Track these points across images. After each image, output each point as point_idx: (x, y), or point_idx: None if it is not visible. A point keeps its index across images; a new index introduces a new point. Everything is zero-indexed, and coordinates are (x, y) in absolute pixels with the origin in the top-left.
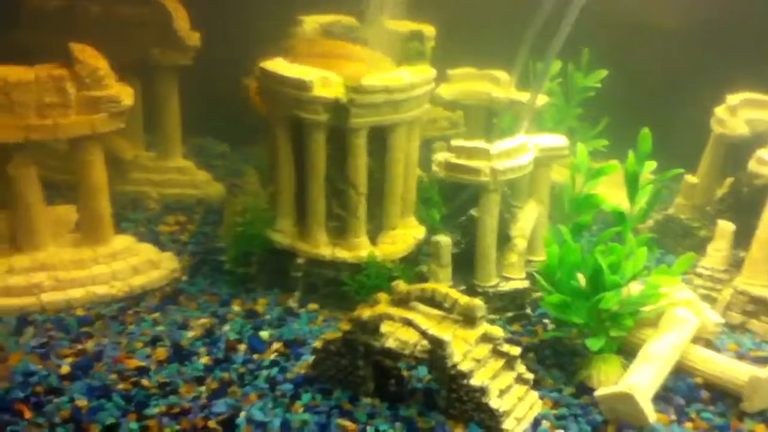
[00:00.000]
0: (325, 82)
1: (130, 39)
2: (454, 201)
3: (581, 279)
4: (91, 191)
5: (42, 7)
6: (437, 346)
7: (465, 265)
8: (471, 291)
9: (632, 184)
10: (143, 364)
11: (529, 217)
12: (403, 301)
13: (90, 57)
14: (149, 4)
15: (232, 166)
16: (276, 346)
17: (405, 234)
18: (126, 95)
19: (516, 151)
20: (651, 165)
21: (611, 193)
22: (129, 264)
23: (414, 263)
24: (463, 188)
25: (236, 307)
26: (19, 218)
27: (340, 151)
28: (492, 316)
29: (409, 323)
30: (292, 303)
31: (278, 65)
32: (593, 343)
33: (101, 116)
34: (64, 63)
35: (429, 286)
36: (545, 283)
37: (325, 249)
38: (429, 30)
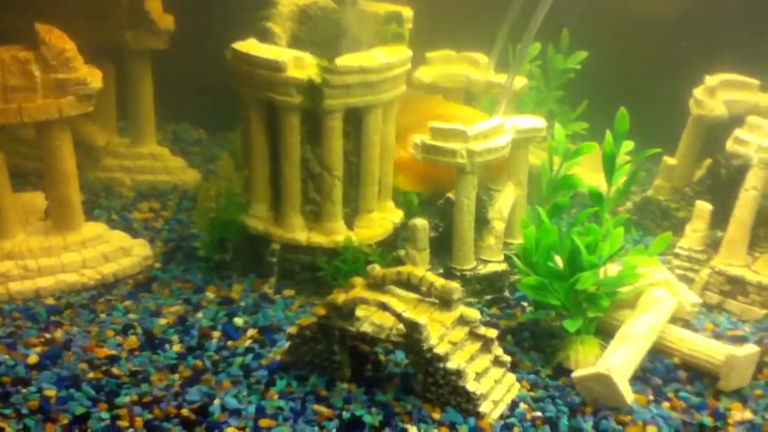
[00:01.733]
0: (298, 63)
1: (103, 22)
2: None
3: (558, 261)
4: (59, 177)
5: None
6: (413, 329)
7: (443, 249)
8: (448, 274)
9: (609, 164)
10: (114, 352)
11: (507, 200)
12: (378, 285)
13: (56, 38)
14: None
15: (208, 153)
16: (251, 332)
17: (382, 218)
18: (94, 78)
19: (493, 133)
20: (628, 145)
21: (590, 176)
22: (100, 251)
23: (391, 247)
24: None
25: (210, 294)
26: None
27: (315, 133)
28: (470, 299)
29: (384, 307)
30: (268, 289)
31: (250, 46)
32: (570, 325)
33: (69, 99)
34: (30, 45)
35: (405, 269)
36: (522, 265)
37: (300, 234)
38: (407, 12)
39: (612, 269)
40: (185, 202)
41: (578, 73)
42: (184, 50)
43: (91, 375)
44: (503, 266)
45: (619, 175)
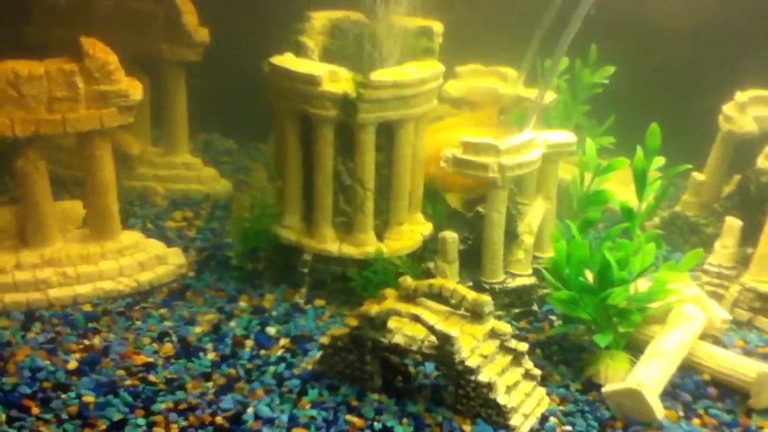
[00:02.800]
0: (333, 77)
1: (139, 34)
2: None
3: (589, 275)
4: (99, 186)
5: (53, 2)
6: (445, 341)
7: (472, 262)
8: (478, 287)
9: (640, 180)
10: (150, 359)
11: (536, 214)
12: (410, 297)
13: (100, 51)
14: None
15: (238, 163)
16: (283, 341)
17: (412, 230)
18: (135, 90)
19: (524, 148)
20: (659, 161)
21: (619, 191)
22: (136, 260)
23: (421, 259)
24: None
25: (243, 303)
26: (28, 213)
27: (348, 146)
28: (499, 313)
29: (416, 319)
30: (299, 299)
31: (287, 60)
32: (601, 339)
33: (110, 111)
34: (74, 57)
35: (436, 281)
36: (553, 279)
37: (332, 245)
38: (437, 26)
39: (642, 285)
40: (217, 211)
41: (605, 87)
42: (216, 62)
43: (128, 382)
44: (532, 280)
45: (649, 191)
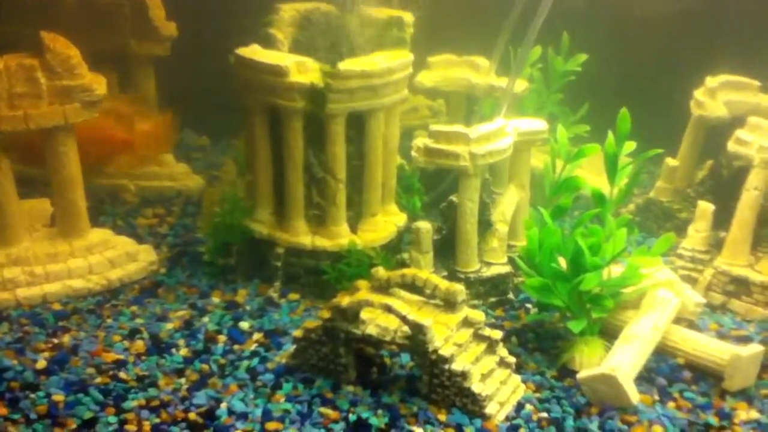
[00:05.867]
0: (301, 68)
1: (107, 29)
2: (435, 188)
3: (562, 262)
4: (65, 183)
5: (19, 1)
6: (418, 331)
7: (447, 252)
8: (453, 277)
9: (611, 165)
10: (121, 357)
11: (509, 202)
12: (383, 288)
13: (61, 46)
14: None
15: (211, 159)
16: (256, 336)
17: (386, 221)
18: (99, 84)
19: (495, 135)
20: (630, 146)
21: (592, 178)
22: (106, 257)
23: (395, 251)
24: (444, 175)
25: (216, 299)
26: None
27: (318, 137)
28: (474, 302)
29: (389, 309)
30: (273, 293)
31: (254, 51)
32: (575, 326)
33: (74, 106)
34: (35, 52)
35: (409, 271)
36: (526, 267)
37: (304, 238)
38: (407, 17)
39: (615, 270)
40: (190, 207)
41: (578, 75)
42: (187, 57)
43: (98, 380)
44: (507, 268)
45: (621, 177)
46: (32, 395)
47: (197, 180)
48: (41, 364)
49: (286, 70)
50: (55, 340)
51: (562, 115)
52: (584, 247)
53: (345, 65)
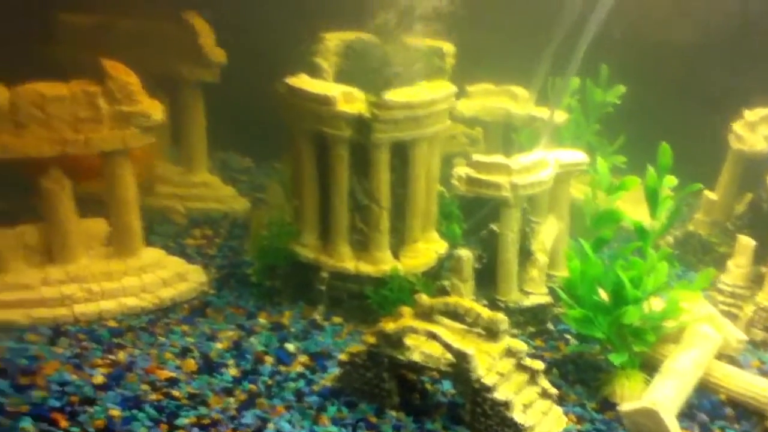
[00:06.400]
0: (348, 98)
1: (159, 55)
2: (475, 216)
3: (602, 294)
4: (121, 205)
5: (75, 24)
6: (461, 359)
7: (486, 279)
8: (492, 305)
9: (653, 199)
10: (173, 375)
11: (549, 232)
12: (426, 315)
13: (121, 73)
14: (177, 21)
15: (255, 181)
16: (302, 358)
17: (427, 248)
18: (156, 110)
19: (536, 167)
20: (671, 180)
21: (631, 209)
22: (158, 276)
23: (436, 277)
24: (483, 203)
25: (262, 320)
26: (53, 231)
27: (363, 165)
28: (513, 331)
29: (433, 336)
30: (317, 316)
31: (302, 81)
32: (616, 358)
33: (132, 131)
34: (97, 79)
35: (452, 299)
36: (567, 298)
37: (348, 263)
38: (448, 47)
39: (656, 304)
40: (236, 229)
41: (616, 106)
42: (232, 81)
43: (152, 396)
44: (546, 298)
45: (661, 210)
46: (90, 409)
47: (243, 203)
48: (99, 379)
49: (334, 100)
50: (112, 357)
51: (600, 145)
52: (625, 280)
53: (390, 96)
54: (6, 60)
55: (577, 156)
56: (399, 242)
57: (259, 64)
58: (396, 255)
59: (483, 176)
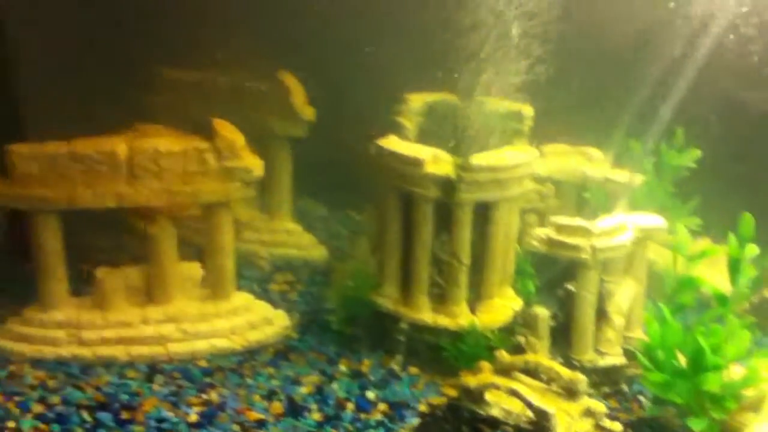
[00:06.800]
0: (435, 160)
1: (252, 111)
2: (548, 273)
3: (681, 358)
4: (219, 251)
5: (175, 78)
6: (542, 417)
7: (561, 338)
8: (567, 364)
9: (734, 268)
10: (262, 416)
11: (626, 295)
12: (505, 371)
13: (229, 131)
14: (270, 79)
15: (331, 229)
16: (381, 406)
17: (503, 304)
18: (257, 166)
19: (616, 230)
20: (752, 250)
21: (707, 270)
22: (247, 320)
23: (510, 332)
24: (556, 260)
25: (343, 366)
26: (155, 273)
27: (445, 222)
28: (590, 391)
29: (514, 393)
30: (395, 365)
31: (393, 143)
32: (695, 424)
33: (235, 184)
34: (193, 129)
35: (532, 357)
36: (646, 361)
37: (427, 315)
38: (527, 110)
39: (736, 371)
40: (316, 276)
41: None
42: (312, 132)
43: None
44: (621, 359)
45: (743, 279)
46: None
47: (321, 250)
48: (193, 417)
49: (423, 162)
50: (204, 396)
51: (673, 207)
52: (705, 347)
53: (476, 159)
54: (108, 106)
55: (655, 221)
56: (476, 297)
57: (339, 119)
58: (472, 309)
59: (563, 238)
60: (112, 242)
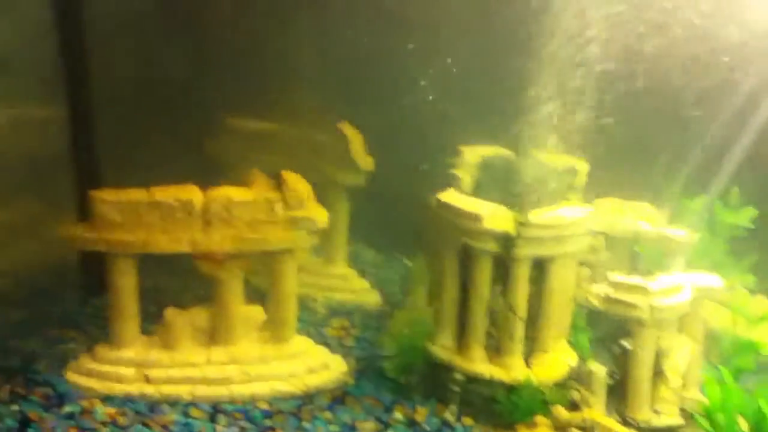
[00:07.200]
0: (494, 215)
1: (313, 160)
2: (601, 328)
3: (743, 423)
4: (282, 297)
5: (241, 127)
6: None
7: (616, 395)
8: (622, 422)
9: None
10: None
11: (682, 354)
12: (562, 428)
13: (297, 183)
14: (331, 130)
15: (382, 275)
16: None
17: (558, 358)
18: (322, 217)
19: (674, 290)
20: None
21: (763, 329)
22: (306, 364)
23: (563, 386)
24: (610, 316)
25: (398, 414)
26: (221, 315)
27: (503, 277)
28: None
29: None
30: (449, 416)
31: (452, 197)
32: None
33: (300, 233)
34: (275, 185)
35: (589, 415)
36: (707, 425)
37: (482, 366)
38: (582, 165)
39: None
40: (370, 321)
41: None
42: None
43: None
44: (678, 420)
45: None
46: None
47: (375, 295)
48: None
49: (482, 218)
50: None
51: (728, 264)
52: (767, 413)
53: (534, 216)
54: (175, 152)
55: (713, 281)
56: (530, 350)
57: (391, 167)
58: (527, 363)
59: (621, 296)
60: (178, 284)
